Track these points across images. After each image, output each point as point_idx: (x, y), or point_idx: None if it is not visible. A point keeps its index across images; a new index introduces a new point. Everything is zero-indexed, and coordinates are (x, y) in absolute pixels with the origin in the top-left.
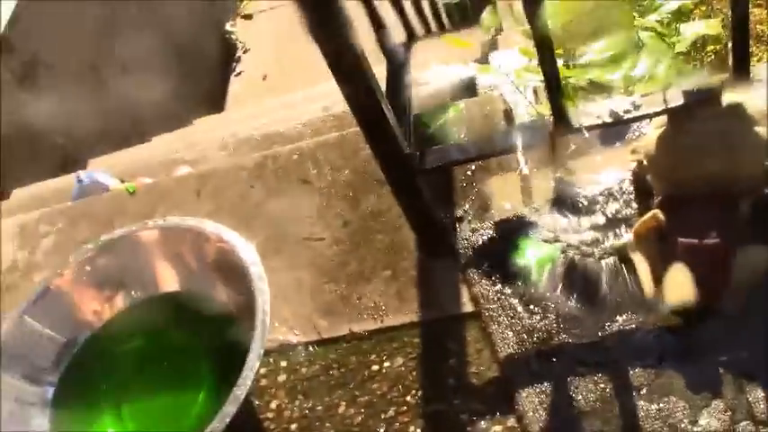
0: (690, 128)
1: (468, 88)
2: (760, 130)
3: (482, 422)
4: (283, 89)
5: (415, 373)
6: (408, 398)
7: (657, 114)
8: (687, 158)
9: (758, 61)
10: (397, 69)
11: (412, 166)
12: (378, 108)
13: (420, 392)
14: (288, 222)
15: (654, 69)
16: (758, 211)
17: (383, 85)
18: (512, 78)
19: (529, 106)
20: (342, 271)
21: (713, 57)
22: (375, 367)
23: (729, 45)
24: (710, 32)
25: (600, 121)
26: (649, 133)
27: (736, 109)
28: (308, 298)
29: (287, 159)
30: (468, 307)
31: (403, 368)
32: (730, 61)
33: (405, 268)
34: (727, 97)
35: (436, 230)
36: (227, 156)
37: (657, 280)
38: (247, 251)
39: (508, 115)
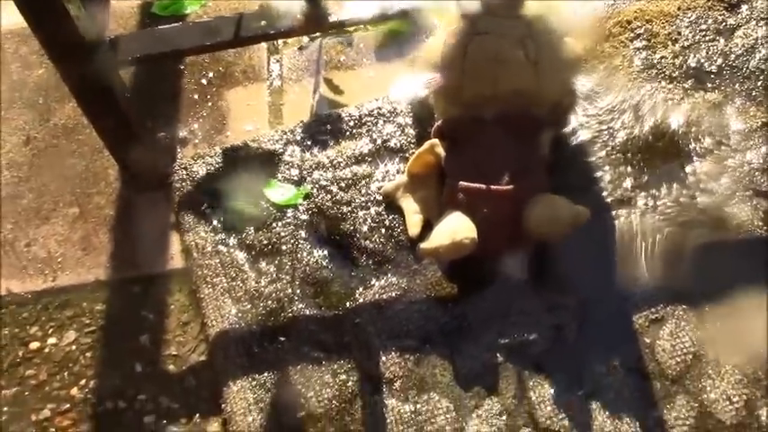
0: (483, 33)
1: None
2: (570, 48)
3: (173, 427)
4: None
5: (89, 355)
6: (75, 390)
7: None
8: (477, 71)
9: None
10: None
11: (94, 56)
12: None
13: (94, 383)
14: None
15: None
16: (559, 150)
17: None
18: None
19: None
20: (11, 206)
21: None
22: (35, 345)
23: None
24: None
25: (369, 17)
26: (433, 39)
27: (541, 19)
28: None
29: None
30: (176, 262)
31: (74, 347)
32: None
33: (98, 205)
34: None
35: (144, 154)
36: None
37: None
38: None
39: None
